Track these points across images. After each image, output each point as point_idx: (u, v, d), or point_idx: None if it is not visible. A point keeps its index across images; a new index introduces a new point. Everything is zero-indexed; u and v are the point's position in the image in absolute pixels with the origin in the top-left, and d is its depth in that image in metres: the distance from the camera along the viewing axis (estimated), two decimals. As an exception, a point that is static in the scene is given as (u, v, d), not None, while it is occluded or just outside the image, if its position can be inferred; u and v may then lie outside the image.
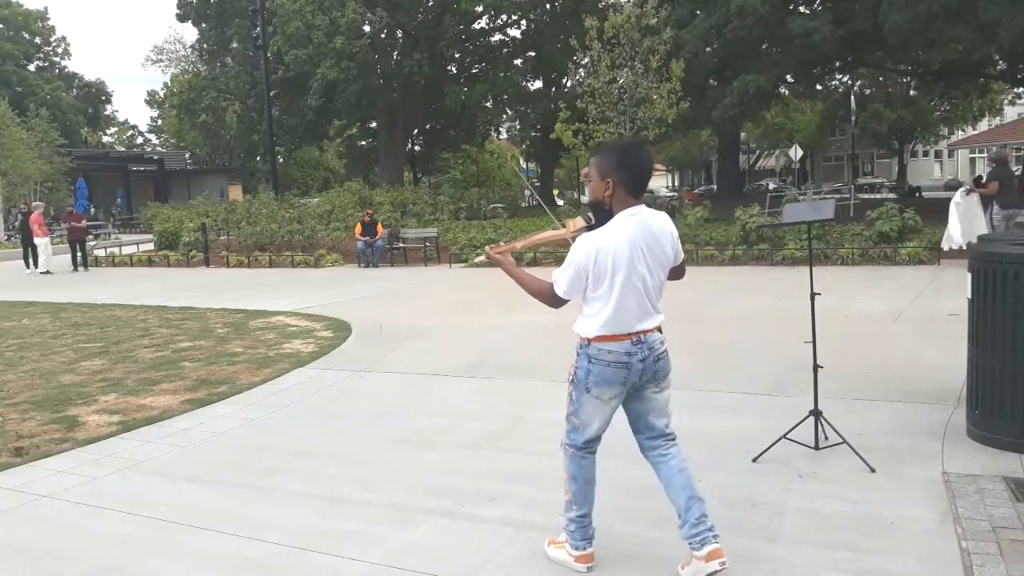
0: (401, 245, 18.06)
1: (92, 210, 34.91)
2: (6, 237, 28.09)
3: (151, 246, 23.01)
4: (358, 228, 17.80)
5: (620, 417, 3.20)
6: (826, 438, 4.34)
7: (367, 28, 31.13)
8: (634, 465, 3.78)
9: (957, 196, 6.31)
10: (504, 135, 49.51)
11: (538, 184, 47.41)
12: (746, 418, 5.00)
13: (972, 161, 52.99)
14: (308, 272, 16.85)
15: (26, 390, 6.66)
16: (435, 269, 16.36)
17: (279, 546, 3.53)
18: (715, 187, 45.55)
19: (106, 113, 64.32)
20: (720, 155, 35.58)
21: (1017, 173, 11.28)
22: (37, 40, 57.72)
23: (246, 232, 20.82)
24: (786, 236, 14.07)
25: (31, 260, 18.99)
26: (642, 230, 2.97)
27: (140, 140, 68.53)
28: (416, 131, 40.60)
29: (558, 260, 15.34)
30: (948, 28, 18.14)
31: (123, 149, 61.18)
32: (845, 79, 40.46)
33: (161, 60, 56.30)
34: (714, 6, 20.17)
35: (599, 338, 2.98)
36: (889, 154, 52.88)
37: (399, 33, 34.24)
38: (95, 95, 61.04)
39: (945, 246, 6.20)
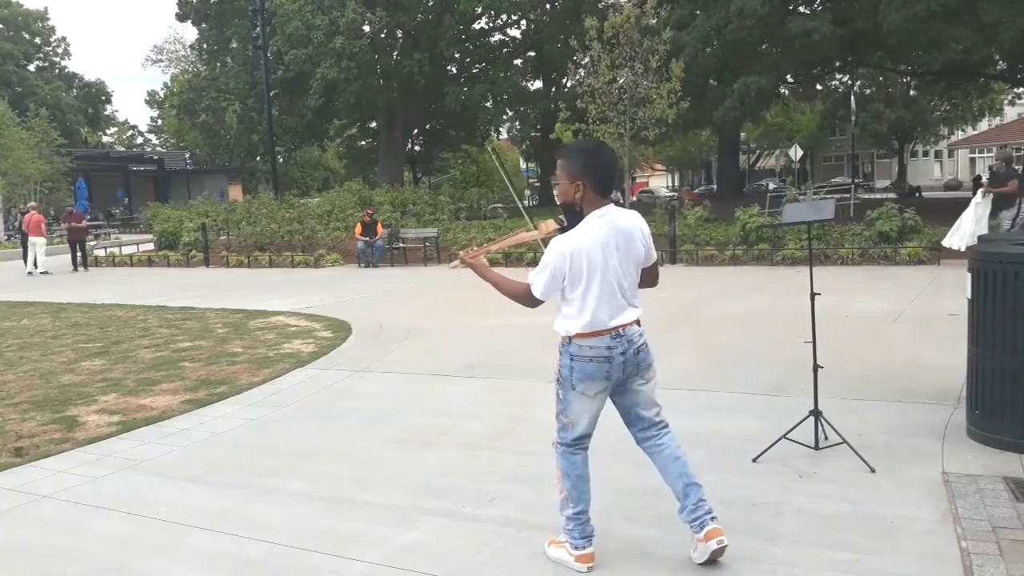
0: (401, 245, 18.06)
1: (90, 212, 34.92)
2: (6, 237, 28.09)
3: (151, 246, 23.01)
4: (358, 228, 17.80)
5: (612, 408, 3.22)
6: (826, 438, 4.33)
7: (367, 28, 31.14)
8: (635, 466, 3.79)
9: (978, 196, 6.35)
10: (504, 135, 49.50)
11: (537, 184, 47.41)
12: (746, 418, 5.00)
13: (972, 161, 52.99)
14: (308, 272, 16.85)
15: (26, 390, 6.66)
16: (435, 269, 16.35)
17: (279, 546, 3.53)
18: (715, 187, 45.58)
19: (106, 113, 64.35)
20: (720, 155, 35.60)
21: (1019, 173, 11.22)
22: (37, 40, 57.75)
23: (246, 232, 20.82)
24: (786, 236, 14.06)
25: (35, 260, 18.96)
26: (613, 229, 3.06)
27: (140, 140, 68.61)
28: (416, 131, 40.62)
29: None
30: (947, 28, 18.14)
31: (123, 149, 61.20)
32: (845, 79, 40.45)
33: (161, 60, 56.32)
34: (714, 7, 20.16)
35: (580, 335, 3.06)
36: (889, 154, 52.88)
37: (399, 33, 34.26)
38: (95, 95, 61.06)
39: (948, 243, 6.19)
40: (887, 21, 17.63)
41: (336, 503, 4.01)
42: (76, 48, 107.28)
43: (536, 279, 3.10)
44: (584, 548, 3.17)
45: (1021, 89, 32.38)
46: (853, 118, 39.94)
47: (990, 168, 11.46)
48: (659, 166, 63.48)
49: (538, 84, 38.63)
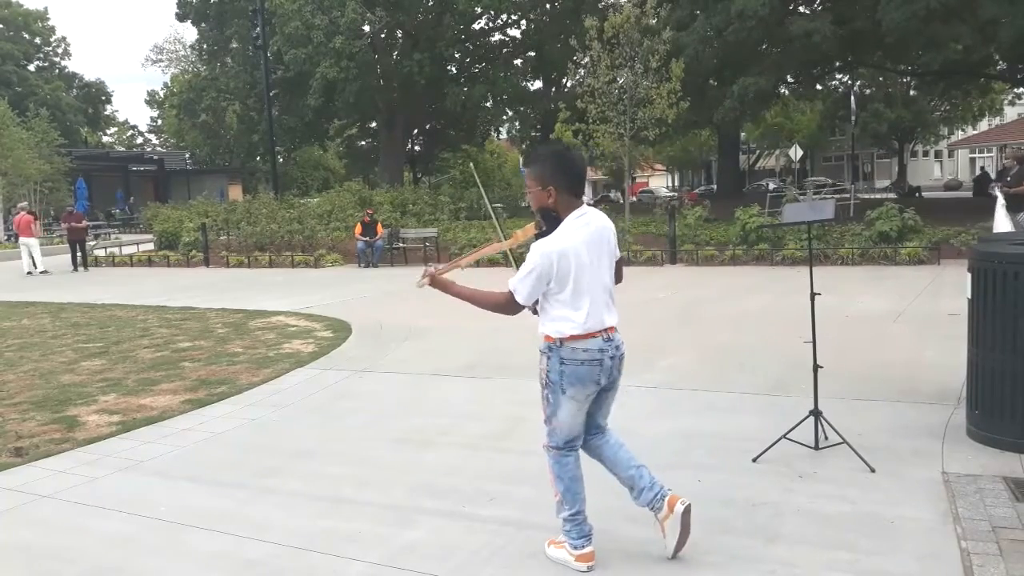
0: (401, 245, 18.07)
1: (89, 212, 34.93)
2: (6, 237, 28.09)
3: (151, 246, 23.01)
4: (358, 228, 17.81)
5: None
6: (826, 438, 4.33)
7: (367, 28, 31.14)
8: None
9: (1002, 198, 6.41)
10: (504, 135, 49.49)
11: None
12: (746, 418, 5.00)
13: (972, 161, 53.01)
14: (308, 272, 16.85)
15: (26, 390, 6.66)
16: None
17: (279, 546, 3.53)
18: (715, 187, 45.59)
19: (106, 113, 64.34)
20: (720, 155, 35.60)
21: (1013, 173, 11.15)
22: (37, 40, 57.74)
23: (246, 232, 20.82)
24: (786, 236, 14.07)
25: (35, 261, 18.95)
26: (594, 229, 3.09)
27: (140, 140, 68.59)
28: (416, 131, 40.60)
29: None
30: (947, 27, 18.15)
31: (123, 149, 61.19)
32: (845, 79, 40.44)
33: (161, 60, 56.31)
34: (714, 8, 20.16)
35: (574, 337, 3.03)
36: (889, 154, 52.89)
37: (399, 33, 34.25)
38: (95, 95, 61.05)
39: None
40: (887, 20, 17.63)
41: (336, 503, 4.01)
42: (76, 48, 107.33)
43: (520, 285, 3.05)
44: (583, 548, 3.16)
45: (1021, 89, 32.39)
46: (853, 118, 39.93)
47: (1004, 166, 11.37)
48: (659, 166, 63.40)
49: (538, 84, 38.62)
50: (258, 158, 44.44)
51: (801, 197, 21.23)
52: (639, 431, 4.63)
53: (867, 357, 6.44)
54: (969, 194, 34.69)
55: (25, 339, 9.29)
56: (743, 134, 44.91)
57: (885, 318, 8.27)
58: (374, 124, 38.99)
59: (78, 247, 19.68)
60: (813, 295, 4.41)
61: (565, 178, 3.07)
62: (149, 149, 62.22)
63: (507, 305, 3.13)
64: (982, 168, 43.60)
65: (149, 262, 20.32)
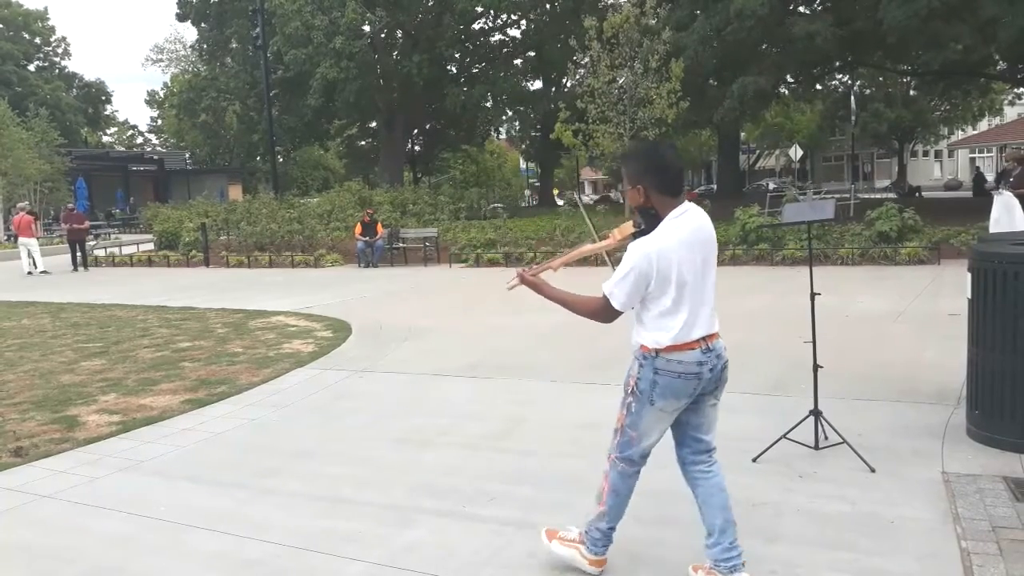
0: (401, 245, 18.06)
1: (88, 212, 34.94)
2: (6, 237, 28.10)
3: (151, 246, 23.01)
4: (358, 228, 17.81)
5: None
6: (826, 438, 4.34)
7: (367, 28, 31.14)
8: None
9: (1013, 199, 6.45)
10: (503, 135, 49.50)
11: (537, 184, 47.38)
12: (746, 418, 4.99)
13: (972, 161, 53.00)
14: (308, 272, 16.85)
15: (26, 390, 6.66)
16: (435, 269, 16.36)
17: (279, 546, 3.53)
18: (715, 187, 45.59)
19: (106, 113, 64.32)
20: (720, 155, 35.59)
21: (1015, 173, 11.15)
22: (37, 40, 57.73)
23: (246, 232, 20.82)
24: (786, 236, 14.06)
25: (35, 261, 18.96)
26: (695, 229, 2.83)
27: (140, 140, 68.56)
28: (416, 131, 40.61)
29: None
30: (947, 27, 18.14)
31: (123, 149, 61.17)
32: (845, 79, 40.44)
33: (161, 60, 56.40)
34: (713, 9, 20.16)
35: (671, 348, 2.80)
36: (889, 154, 52.88)
37: (399, 33, 34.25)
38: (95, 95, 61.04)
39: None
40: (888, 18, 17.62)
41: (335, 503, 4.01)
42: (76, 48, 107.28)
43: (617, 289, 2.81)
44: (602, 554, 3.11)
45: (1021, 89, 32.38)
46: (853, 118, 39.96)
47: (1005, 169, 11.34)
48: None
49: (538, 84, 38.62)
50: (258, 158, 44.47)
51: (801, 197, 21.23)
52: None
53: (867, 357, 6.44)
54: (969, 194, 34.72)
55: (25, 339, 9.29)
56: (743, 134, 44.90)
57: (885, 318, 8.27)
58: (374, 124, 39.00)
59: (78, 247, 19.68)
60: (813, 295, 4.41)
61: (655, 176, 2.84)
62: (149, 149, 62.21)
63: (603, 311, 2.88)
64: (977, 169, 43.71)
65: (149, 262, 20.32)
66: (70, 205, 23.40)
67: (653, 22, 17.83)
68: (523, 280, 3.09)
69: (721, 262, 14.00)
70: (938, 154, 58.75)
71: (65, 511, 4.07)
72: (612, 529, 3.07)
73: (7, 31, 54.27)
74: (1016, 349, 4.05)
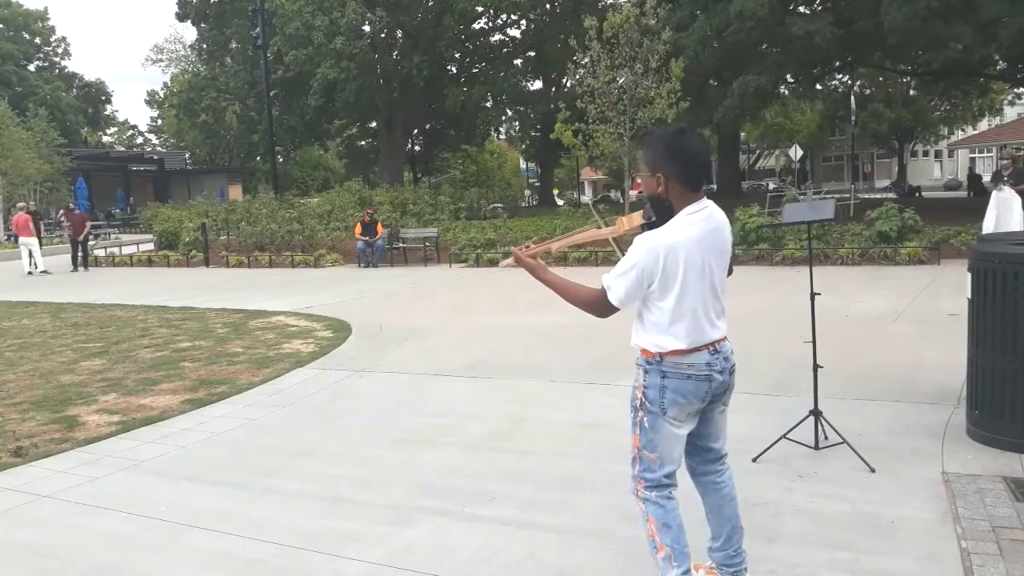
0: (401, 245, 18.06)
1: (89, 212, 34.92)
2: (6, 237, 28.11)
3: (151, 246, 23.01)
4: (358, 228, 17.81)
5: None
6: (826, 438, 4.34)
7: (367, 28, 31.15)
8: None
9: (1006, 192, 6.47)
10: (503, 136, 49.51)
11: (537, 184, 47.37)
12: (746, 418, 4.99)
13: (972, 161, 53.00)
14: (308, 272, 16.85)
15: (26, 390, 6.66)
16: (435, 269, 16.35)
17: (279, 546, 3.53)
18: (715, 187, 45.63)
19: (106, 113, 64.37)
20: (720, 155, 35.56)
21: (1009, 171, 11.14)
22: (37, 40, 57.76)
23: (246, 232, 20.83)
24: (786, 236, 14.06)
25: (35, 261, 18.97)
26: (711, 228, 2.63)
27: (140, 140, 68.59)
28: (416, 131, 40.63)
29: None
30: (948, 27, 18.14)
31: (123, 149, 61.18)
32: (845, 79, 40.45)
33: (161, 60, 56.41)
34: (713, 9, 20.16)
35: (677, 352, 2.61)
36: (889, 154, 52.89)
37: (399, 33, 34.26)
38: (95, 95, 61.08)
39: None
40: (888, 19, 17.62)
41: (336, 503, 4.01)
42: (76, 48, 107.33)
43: (616, 283, 2.60)
44: None
45: (1021, 89, 32.38)
46: (853, 118, 39.94)
47: (1002, 168, 11.32)
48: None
49: (538, 84, 38.63)
50: (258, 158, 44.51)
51: (801, 197, 21.23)
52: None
53: (867, 357, 6.44)
54: (970, 194, 34.71)
55: (25, 339, 9.29)
56: (743, 134, 44.91)
57: (885, 318, 8.27)
58: (374, 124, 39.01)
59: (79, 247, 19.70)
60: (813, 295, 4.41)
61: (678, 166, 2.60)
62: (149, 149, 62.23)
63: (598, 304, 2.68)
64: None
65: (149, 262, 20.32)
66: (71, 205, 23.38)
67: (653, 22, 17.82)
68: (518, 259, 2.87)
69: (721, 262, 14.11)
70: (938, 154, 58.75)
71: (65, 511, 4.07)
72: (688, 572, 2.69)
73: (7, 31, 54.29)
74: (1016, 349, 4.05)
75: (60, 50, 60.18)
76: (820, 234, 13.70)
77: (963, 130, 47.35)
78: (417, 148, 42.90)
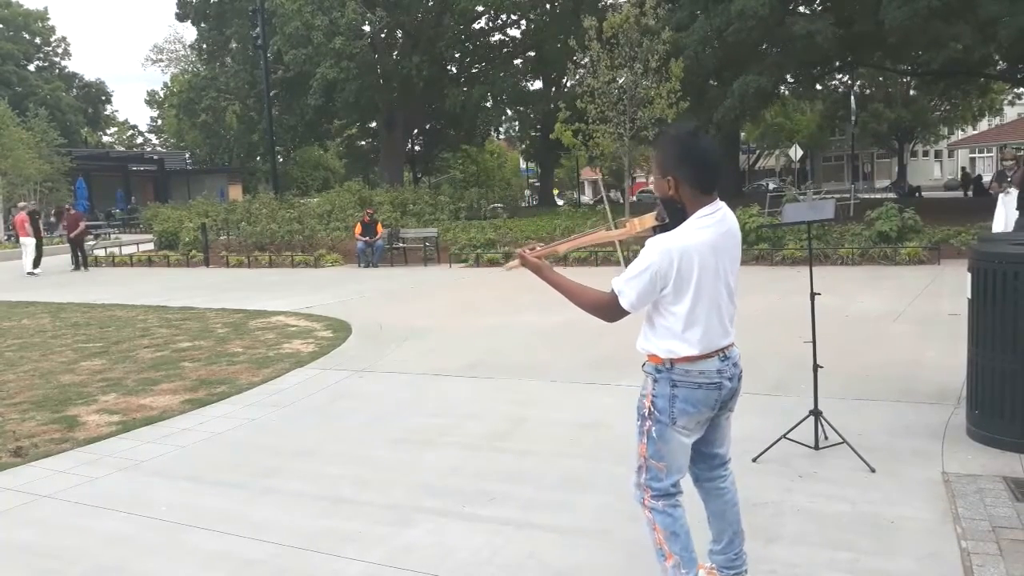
0: (401, 245, 18.06)
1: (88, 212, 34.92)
2: (6, 237, 28.11)
3: (151, 246, 23.02)
4: (358, 228, 17.81)
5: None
6: (826, 438, 4.34)
7: (367, 28, 31.15)
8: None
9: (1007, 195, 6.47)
10: (503, 136, 49.50)
11: (537, 184, 47.36)
12: (746, 418, 4.97)
13: (972, 161, 53.01)
14: (308, 272, 16.85)
15: (26, 390, 6.66)
16: (435, 269, 16.35)
17: (279, 546, 3.53)
18: (715, 187, 45.66)
19: (106, 113, 64.34)
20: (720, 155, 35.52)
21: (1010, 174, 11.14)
22: (37, 40, 57.75)
23: (246, 232, 20.83)
24: (786, 236, 14.06)
25: (36, 261, 18.98)
26: (724, 232, 2.60)
27: (140, 140, 68.59)
28: (416, 131, 40.62)
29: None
30: (947, 26, 18.14)
31: (123, 149, 61.18)
32: (845, 79, 40.45)
33: (161, 60, 56.34)
34: (714, 9, 20.16)
35: (688, 358, 2.56)
36: (889, 154, 52.90)
37: (399, 33, 34.26)
38: (95, 95, 61.06)
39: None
40: (888, 18, 17.62)
41: (336, 503, 4.01)
42: (76, 48, 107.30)
43: (628, 287, 2.53)
44: None
45: (1021, 89, 32.38)
46: (853, 118, 39.93)
47: (1002, 167, 11.34)
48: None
49: (538, 84, 38.63)
50: (258, 158, 44.49)
51: (801, 197, 21.24)
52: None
53: (867, 357, 6.44)
54: (969, 194, 34.70)
55: (25, 339, 9.29)
56: (743, 134, 44.91)
57: (885, 318, 8.27)
58: (374, 124, 38.99)
59: (78, 247, 19.72)
60: (813, 295, 4.41)
61: (689, 168, 2.55)
62: (149, 149, 62.23)
63: (608, 308, 2.61)
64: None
65: (149, 262, 20.32)
66: (67, 205, 23.39)
67: (653, 22, 17.82)
68: (524, 261, 2.78)
69: (721, 262, 14.11)
70: (938, 154, 58.77)
71: (65, 511, 4.07)
72: (697, 574, 2.70)
73: (7, 31, 54.28)
74: (1016, 349, 4.05)
75: (60, 50, 60.19)
76: (820, 234, 13.69)
77: (963, 130, 47.37)
78: (417, 148, 42.89)
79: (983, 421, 4.27)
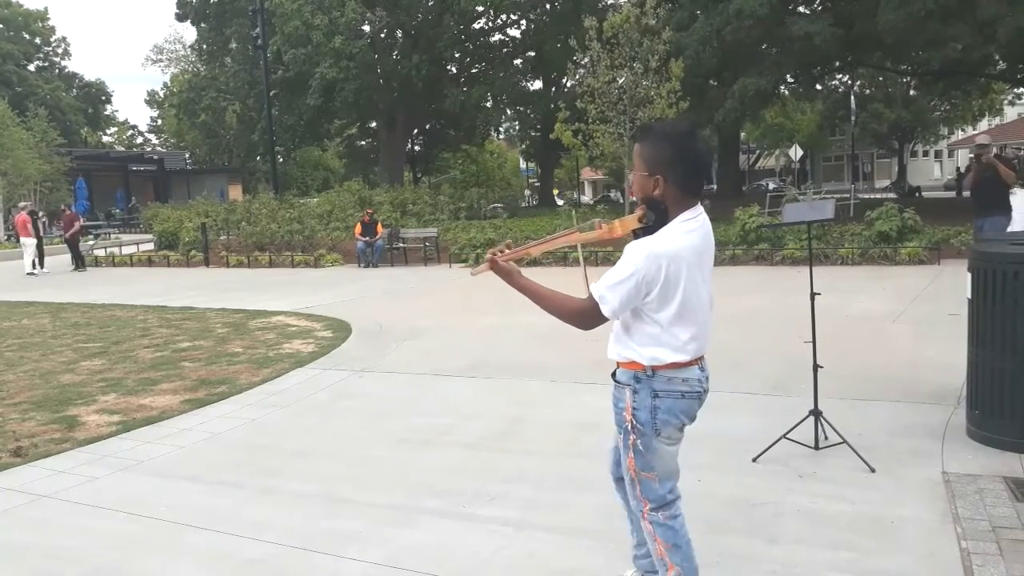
0: (401, 245, 18.07)
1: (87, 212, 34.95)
2: (6, 237, 28.11)
3: (151, 246, 23.02)
4: (358, 228, 17.81)
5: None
6: (826, 438, 4.33)
7: (367, 28, 31.16)
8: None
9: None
10: (503, 136, 49.52)
11: (537, 184, 47.36)
12: (746, 418, 4.99)
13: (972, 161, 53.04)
14: (308, 272, 16.85)
15: (26, 390, 6.66)
16: (435, 269, 16.36)
17: (279, 546, 3.53)
18: (715, 187, 45.68)
19: (106, 113, 64.35)
20: (720, 155, 35.54)
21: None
22: (37, 40, 57.76)
23: (246, 232, 20.83)
24: (786, 236, 14.06)
25: (38, 261, 18.99)
26: (704, 235, 2.50)
27: (140, 140, 68.58)
28: (416, 131, 40.63)
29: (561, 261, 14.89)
30: (946, 27, 18.14)
31: (123, 149, 61.18)
32: (845, 79, 40.46)
33: (161, 60, 56.48)
34: (713, 9, 20.16)
35: (674, 365, 2.48)
36: (889, 154, 52.93)
37: (399, 33, 34.27)
38: (95, 95, 61.07)
39: None
40: (883, 20, 17.63)
41: (336, 503, 4.01)
42: (76, 48, 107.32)
43: (611, 293, 2.41)
44: None
45: (1021, 89, 32.39)
46: (853, 118, 39.96)
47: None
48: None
49: (538, 84, 38.63)
50: (258, 158, 44.49)
51: (801, 197, 21.24)
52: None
53: (867, 357, 6.44)
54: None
55: (25, 339, 9.29)
56: (743, 134, 44.94)
57: (885, 318, 8.27)
58: (374, 124, 39.01)
59: (71, 246, 19.78)
60: (813, 295, 4.41)
61: (680, 168, 2.42)
62: (149, 149, 62.21)
63: (587, 316, 2.48)
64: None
65: (149, 262, 20.33)
66: (62, 206, 23.42)
67: (653, 22, 17.82)
68: (493, 265, 2.60)
69: (721, 262, 14.11)
70: (938, 154, 58.82)
71: (65, 511, 4.07)
72: None
73: (7, 31, 54.28)
74: (1016, 349, 4.05)
75: (60, 50, 60.21)
76: (820, 234, 13.69)
77: (963, 130, 47.37)
78: (417, 148, 42.90)
79: (983, 421, 4.27)
